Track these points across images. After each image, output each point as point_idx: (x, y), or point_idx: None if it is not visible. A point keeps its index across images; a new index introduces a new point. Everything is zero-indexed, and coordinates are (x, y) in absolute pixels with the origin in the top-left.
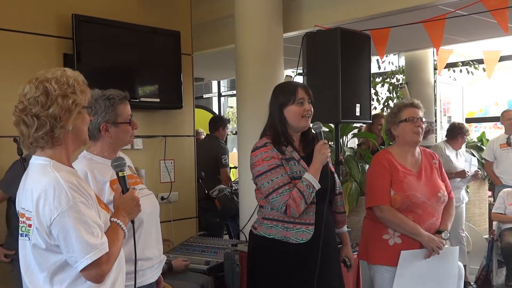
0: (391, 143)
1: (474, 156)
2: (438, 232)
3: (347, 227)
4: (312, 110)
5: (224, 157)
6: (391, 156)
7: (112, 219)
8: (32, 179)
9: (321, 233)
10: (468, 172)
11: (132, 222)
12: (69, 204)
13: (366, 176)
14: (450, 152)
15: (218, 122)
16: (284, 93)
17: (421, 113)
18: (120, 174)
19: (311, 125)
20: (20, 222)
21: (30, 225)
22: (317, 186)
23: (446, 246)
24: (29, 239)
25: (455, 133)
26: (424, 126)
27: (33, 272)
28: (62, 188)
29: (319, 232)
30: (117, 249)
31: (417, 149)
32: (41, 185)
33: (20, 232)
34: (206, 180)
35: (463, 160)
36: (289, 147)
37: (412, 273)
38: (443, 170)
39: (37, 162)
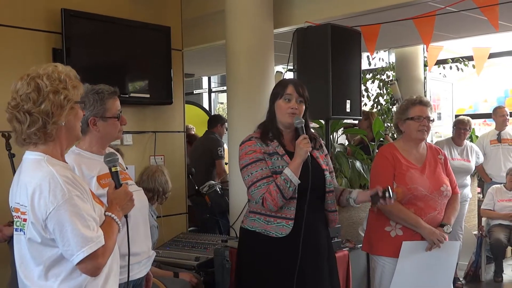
0: (382, 139)
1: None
2: (441, 225)
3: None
4: (301, 109)
5: (219, 149)
6: (395, 150)
7: (106, 213)
8: (26, 174)
9: (302, 228)
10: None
11: (126, 217)
12: (65, 198)
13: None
14: (452, 149)
15: (216, 120)
16: (277, 87)
17: (428, 111)
18: (113, 169)
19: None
20: (15, 217)
21: (25, 220)
22: (296, 181)
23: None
24: (24, 234)
25: (453, 127)
26: (430, 124)
27: (28, 266)
28: (58, 182)
29: (299, 227)
30: (112, 242)
31: (423, 144)
32: (36, 180)
33: (14, 226)
34: (200, 174)
35: (467, 158)
36: (275, 142)
37: (412, 264)
38: (449, 165)
39: (31, 157)
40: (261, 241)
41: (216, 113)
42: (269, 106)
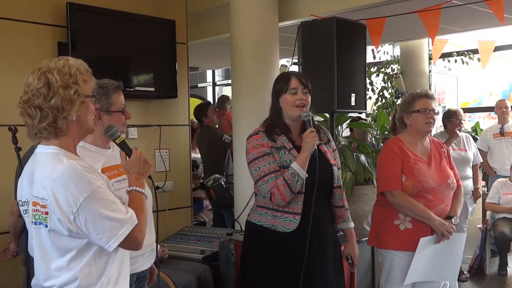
0: (387, 133)
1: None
2: (448, 217)
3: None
4: (308, 100)
5: (225, 137)
6: (402, 143)
7: (128, 189)
8: (45, 167)
9: (309, 223)
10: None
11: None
12: (92, 188)
13: (377, 162)
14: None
15: (200, 111)
16: (279, 82)
17: (434, 104)
18: (118, 141)
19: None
20: (33, 210)
21: (46, 213)
22: (303, 175)
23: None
24: (46, 226)
25: (444, 121)
26: (435, 117)
27: (52, 259)
28: (81, 174)
29: (307, 222)
30: (145, 214)
31: (426, 138)
32: (57, 173)
33: (32, 220)
34: (213, 170)
35: (464, 148)
36: (282, 136)
37: (424, 258)
38: (451, 159)
39: (46, 151)
40: (267, 236)
41: (205, 100)
42: (273, 102)
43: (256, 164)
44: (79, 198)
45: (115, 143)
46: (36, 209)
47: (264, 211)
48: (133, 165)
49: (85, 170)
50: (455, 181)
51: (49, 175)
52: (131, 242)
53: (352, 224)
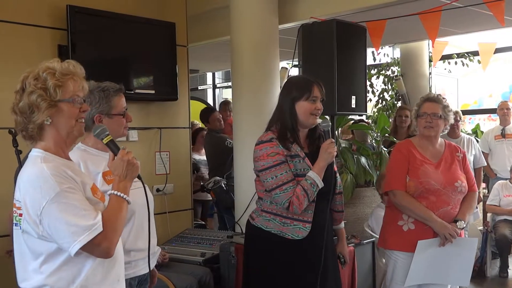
0: (387, 134)
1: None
2: (455, 221)
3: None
4: (322, 109)
5: (227, 142)
6: (411, 145)
7: (109, 192)
8: (24, 169)
9: (324, 232)
10: None
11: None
12: (56, 192)
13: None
14: None
15: (204, 115)
16: (299, 87)
17: (438, 107)
18: (105, 140)
19: (319, 121)
20: (14, 212)
21: (21, 215)
22: (321, 184)
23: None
24: (20, 228)
25: None
26: (440, 122)
27: (28, 261)
28: (47, 177)
29: (319, 231)
30: (118, 223)
31: (440, 141)
32: (27, 177)
33: (14, 222)
34: (216, 172)
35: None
36: (295, 144)
37: (427, 260)
38: (467, 163)
39: (32, 154)
40: (275, 242)
41: (210, 105)
42: (287, 106)
43: (272, 172)
44: (42, 201)
45: (103, 142)
46: (15, 211)
47: (272, 217)
48: (116, 167)
49: (52, 174)
50: (464, 185)
51: (23, 177)
52: (95, 249)
53: (343, 225)
